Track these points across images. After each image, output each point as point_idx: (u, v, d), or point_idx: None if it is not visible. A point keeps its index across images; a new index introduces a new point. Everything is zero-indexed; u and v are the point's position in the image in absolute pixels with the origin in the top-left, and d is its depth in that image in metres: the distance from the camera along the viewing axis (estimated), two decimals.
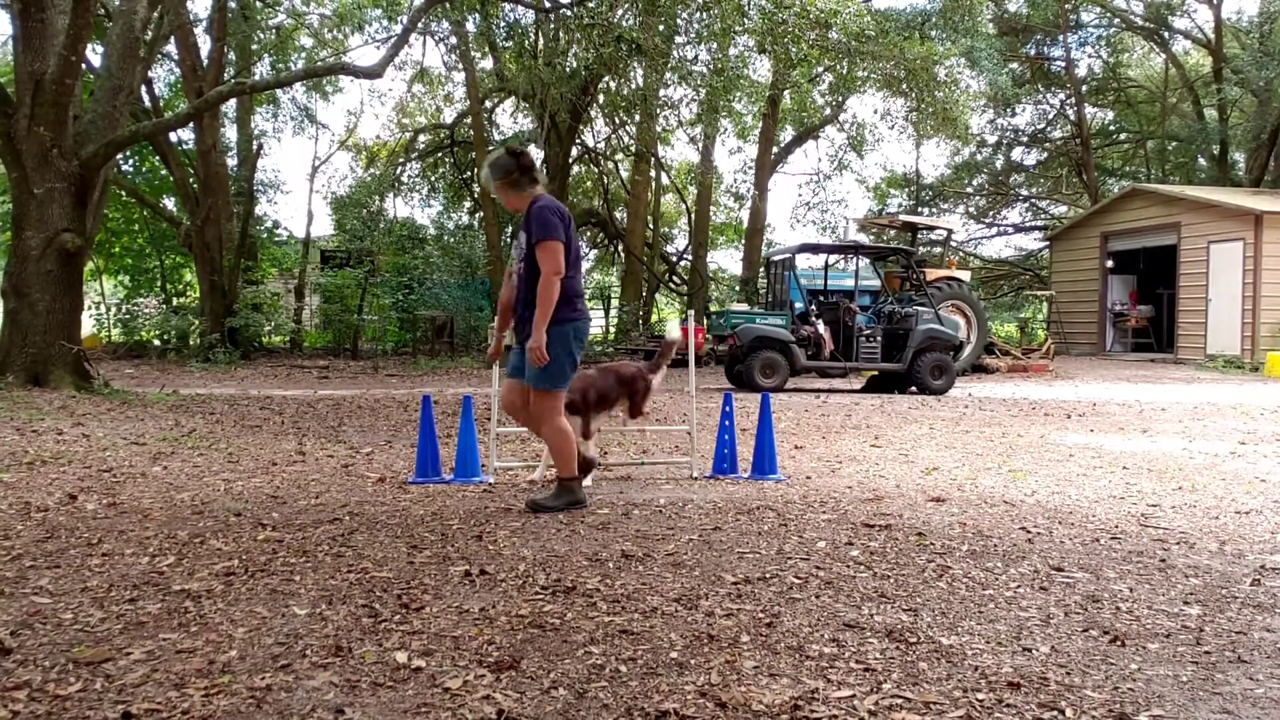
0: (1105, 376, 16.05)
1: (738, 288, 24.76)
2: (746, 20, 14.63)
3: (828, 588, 3.33)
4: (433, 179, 26.78)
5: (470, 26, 19.54)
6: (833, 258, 16.94)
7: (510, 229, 25.03)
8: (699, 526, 4.30)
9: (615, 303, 27.19)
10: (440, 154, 26.02)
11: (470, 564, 3.57)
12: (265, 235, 22.87)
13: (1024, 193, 33.56)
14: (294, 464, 6.09)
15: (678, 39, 16.33)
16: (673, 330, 6.08)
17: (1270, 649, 2.79)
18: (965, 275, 17.63)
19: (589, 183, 28.12)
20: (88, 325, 20.26)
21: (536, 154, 23.55)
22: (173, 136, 19.01)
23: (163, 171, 21.10)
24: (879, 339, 13.10)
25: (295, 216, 62.94)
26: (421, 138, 26.93)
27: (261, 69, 21.87)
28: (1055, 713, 2.30)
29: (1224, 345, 18.32)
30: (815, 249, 15.59)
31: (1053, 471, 6.10)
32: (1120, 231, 21.76)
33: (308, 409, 9.76)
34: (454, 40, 20.93)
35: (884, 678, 2.51)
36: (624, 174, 27.03)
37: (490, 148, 22.62)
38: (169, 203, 22.13)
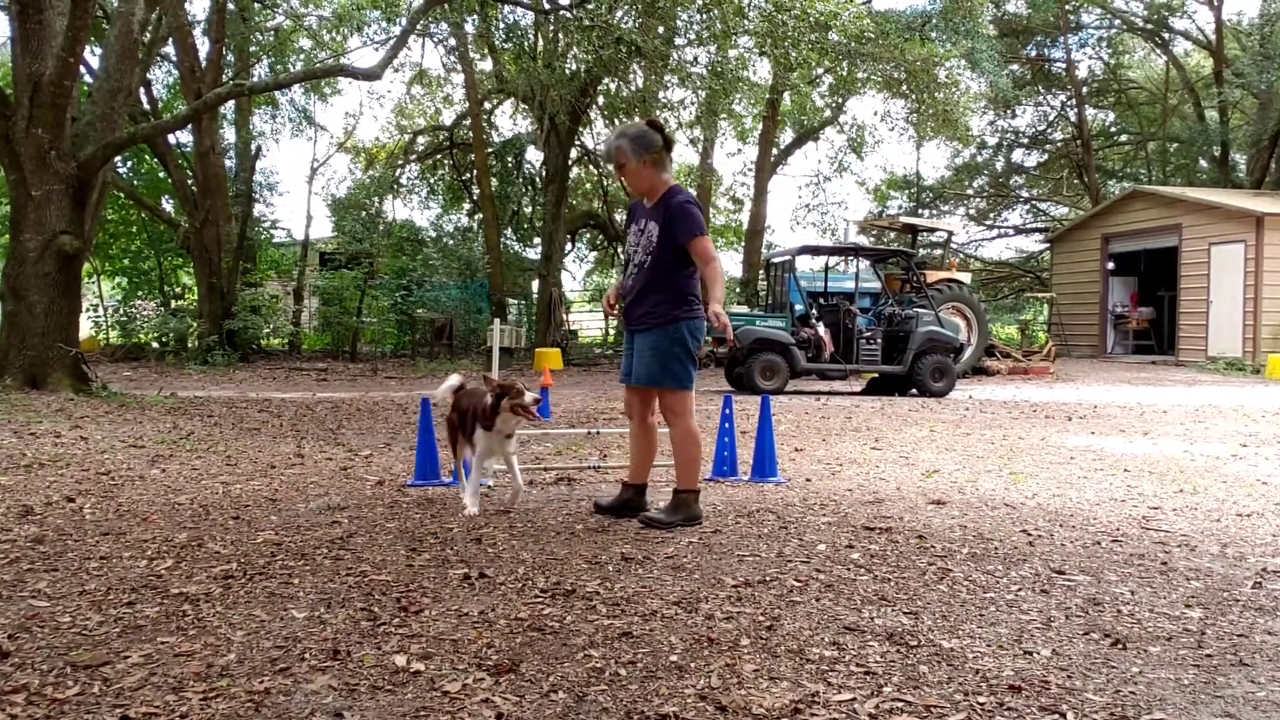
0: (1106, 379, 16.04)
1: (737, 290, 24.76)
2: (746, 22, 14.65)
3: (828, 591, 3.32)
4: (432, 181, 26.79)
5: (469, 28, 19.53)
6: (833, 260, 16.93)
7: (510, 228, 25.06)
8: (698, 529, 4.29)
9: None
10: (439, 156, 26.03)
11: (469, 567, 3.56)
12: (264, 237, 22.85)
13: (1024, 194, 33.58)
14: (292, 467, 6.08)
15: (677, 41, 16.34)
16: None
17: (1272, 652, 2.78)
18: (966, 277, 17.64)
19: (588, 185, 28.12)
20: (86, 327, 20.25)
21: (535, 155, 23.57)
22: (171, 138, 19.00)
23: (161, 173, 21.09)
24: (879, 341, 13.09)
25: (294, 218, 63.00)
26: (420, 139, 26.93)
27: (260, 71, 21.88)
28: (1056, 716, 2.29)
29: (1225, 347, 18.31)
30: (815, 251, 15.56)
31: (1054, 474, 6.09)
32: (1121, 233, 21.76)
33: (306, 411, 9.75)
34: (453, 42, 20.92)
35: (884, 681, 2.50)
36: None
37: (489, 149, 22.64)
38: (167, 205, 22.11)
